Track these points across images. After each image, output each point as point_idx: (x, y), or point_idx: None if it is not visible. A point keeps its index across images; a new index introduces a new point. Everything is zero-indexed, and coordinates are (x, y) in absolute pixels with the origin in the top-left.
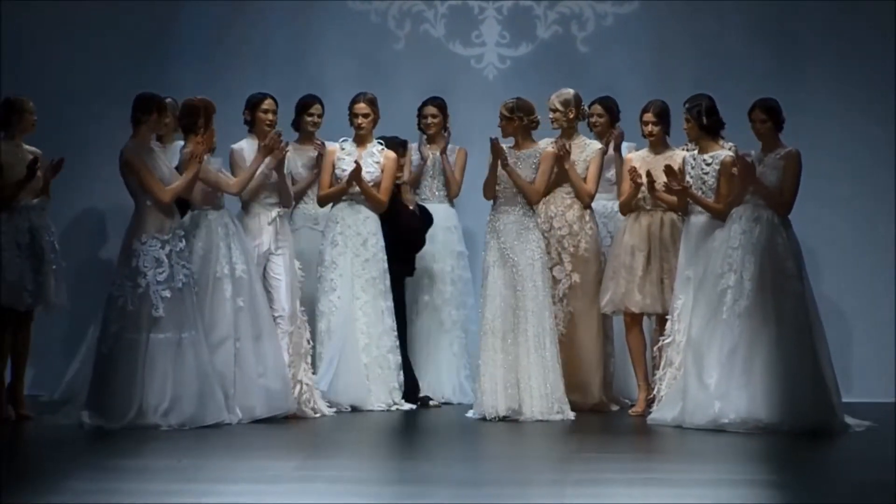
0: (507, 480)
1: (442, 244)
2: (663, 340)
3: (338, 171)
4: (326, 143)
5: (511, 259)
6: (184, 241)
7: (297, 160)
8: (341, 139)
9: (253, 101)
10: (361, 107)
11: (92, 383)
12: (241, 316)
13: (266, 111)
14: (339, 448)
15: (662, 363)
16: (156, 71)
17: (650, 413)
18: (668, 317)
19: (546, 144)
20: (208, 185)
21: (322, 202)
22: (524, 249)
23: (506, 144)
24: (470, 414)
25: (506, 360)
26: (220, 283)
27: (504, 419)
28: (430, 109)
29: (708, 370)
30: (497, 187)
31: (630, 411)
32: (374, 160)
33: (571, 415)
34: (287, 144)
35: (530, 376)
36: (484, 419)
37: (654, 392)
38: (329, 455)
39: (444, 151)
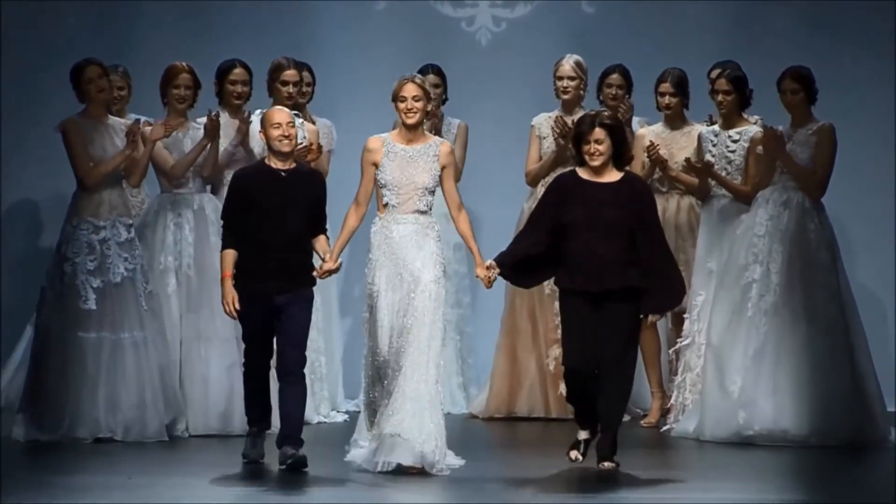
0: (504, 499)
1: None
2: (681, 342)
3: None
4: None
5: (407, 279)
6: (131, 231)
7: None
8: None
9: (220, 69)
10: (293, 74)
11: (25, 388)
12: (184, 317)
13: (234, 82)
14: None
15: (680, 368)
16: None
17: (665, 424)
18: (685, 315)
19: (543, 120)
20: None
21: None
22: (427, 264)
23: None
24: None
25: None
26: (164, 276)
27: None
28: (431, 79)
29: (731, 376)
30: (386, 189)
31: (642, 422)
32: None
33: (446, 470)
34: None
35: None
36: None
37: (672, 401)
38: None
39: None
